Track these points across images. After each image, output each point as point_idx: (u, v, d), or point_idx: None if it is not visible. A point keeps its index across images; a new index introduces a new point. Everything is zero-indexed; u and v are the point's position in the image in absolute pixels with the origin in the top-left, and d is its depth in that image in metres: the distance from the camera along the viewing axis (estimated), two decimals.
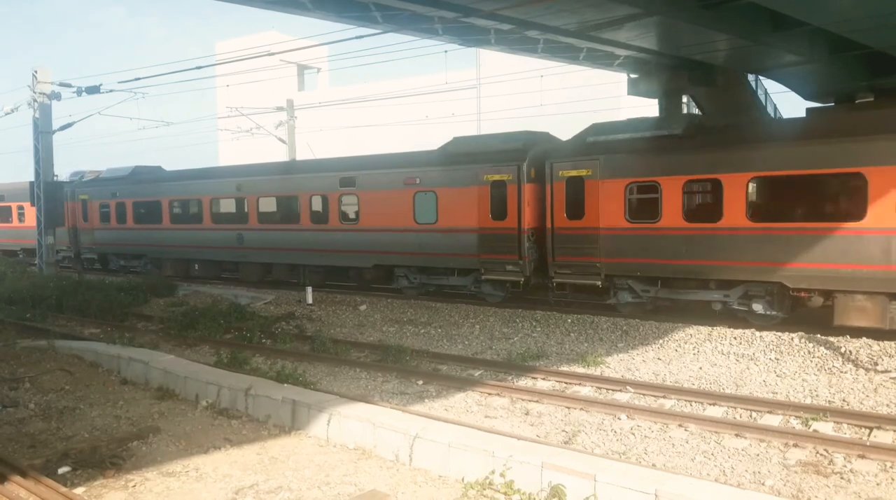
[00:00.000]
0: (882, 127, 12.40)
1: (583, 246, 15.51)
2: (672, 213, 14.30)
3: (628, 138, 15.30)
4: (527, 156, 16.49)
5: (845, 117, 13.83)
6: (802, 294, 13.45)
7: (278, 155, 34.60)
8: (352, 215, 20.04)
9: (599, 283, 15.53)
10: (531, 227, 16.47)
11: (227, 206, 23.90)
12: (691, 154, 14.24)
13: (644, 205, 14.86)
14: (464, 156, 17.81)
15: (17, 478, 6.98)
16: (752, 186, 13.52)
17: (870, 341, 11.98)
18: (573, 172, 15.62)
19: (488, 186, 16.99)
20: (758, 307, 13.69)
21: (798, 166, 13.09)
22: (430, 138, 30.35)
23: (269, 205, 22.82)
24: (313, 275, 21.60)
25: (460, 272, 18.17)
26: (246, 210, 23.05)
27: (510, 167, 16.60)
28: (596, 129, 16.24)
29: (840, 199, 13.66)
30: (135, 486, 7.16)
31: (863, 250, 12.34)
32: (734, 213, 13.51)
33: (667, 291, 14.84)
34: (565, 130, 21.80)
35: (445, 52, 22.97)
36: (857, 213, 12.42)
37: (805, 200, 13.85)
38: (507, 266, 16.80)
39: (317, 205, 21.00)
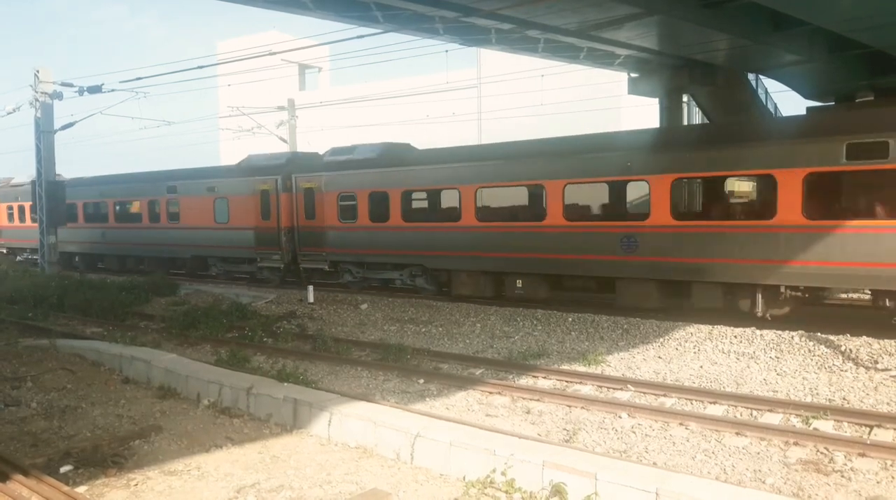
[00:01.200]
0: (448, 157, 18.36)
1: (316, 240, 20.75)
2: (363, 215, 19.52)
3: (343, 160, 20.33)
4: (282, 171, 21.54)
5: (451, 153, 18.93)
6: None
7: None
8: (175, 216, 25.29)
9: (327, 267, 20.80)
10: (286, 225, 21.39)
11: (94, 208, 29.02)
12: (374, 173, 19.36)
13: (348, 210, 19.87)
14: (247, 170, 22.87)
15: (20, 477, 7.00)
16: (402, 197, 18.79)
17: (870, 340, 11.99)
18: (308, 184, 20.79)
19: (259, 194, 22.04)
20: (420, 281, 18.91)
21: (427, 183, 18.65)
22: (432, 138, 30.32)
23: (120, 207, 28.02)
24: (156, 265, 26.23)
25: (248, 261, 23.16)
26: (106, 212, 28.27)
27: (272, 180, 21.68)
28: (331, 151, 21.32)
29: (450, 206, 18.33)
30: (137, 485, 7.18)
31: (461, 241, 17.46)
32: (396, 216, 18.79)
33: (369, 272, 20.11)
34: (566, 128, 21.80)
35: (446, 51, 23.02)
36: (456, 216, 17.60)
37: (431, 207, 19.15)
38: (273, 256, 22.00)
39: (152, 207, 26.18)
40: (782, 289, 13.10)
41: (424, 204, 19.10)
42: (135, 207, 27.13)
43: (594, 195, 15.88)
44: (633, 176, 14.78)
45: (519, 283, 16.62)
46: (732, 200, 14.55)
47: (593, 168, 15.30)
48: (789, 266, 12.74)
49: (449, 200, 18.33)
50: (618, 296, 15.22)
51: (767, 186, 13.31)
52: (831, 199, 13.08)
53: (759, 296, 13.30)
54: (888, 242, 11.85)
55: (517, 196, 17.18)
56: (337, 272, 20.64)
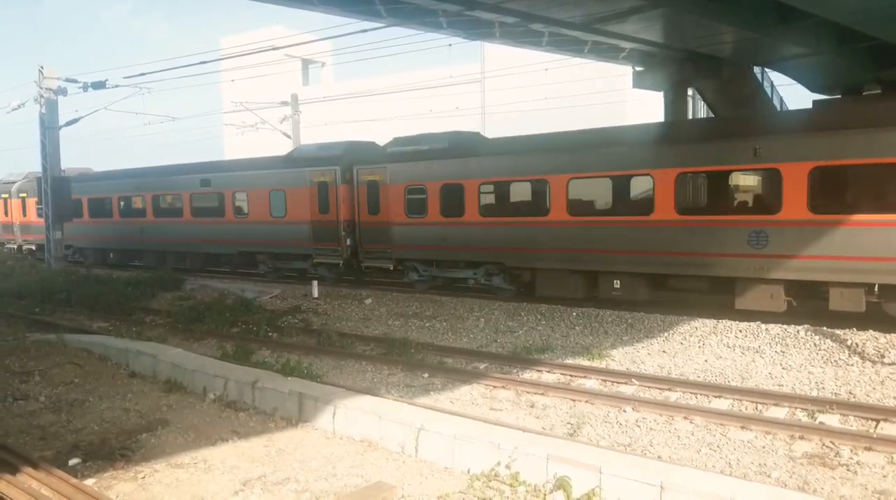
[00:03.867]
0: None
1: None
2: (85, 213, 29.07)
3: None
4: (11, 187, 33.72)
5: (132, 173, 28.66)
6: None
7: (283, 150, 34.60)
8: None
9: (20, 247, 32.88)
10: (21, 223, 32.80)
11: None
12: (96, 184, 29.71)
13: (31, 211, 31.46)
14: (6, 183, 34.88)
15: (29, 470, 7.05)
16: (118, 200, 28.03)
17: (876, 334, 11.96)
18: (22, 194, 32.79)
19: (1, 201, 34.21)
20: (137, 262, 27.68)
21: (127, 192, 27.47)
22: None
23: None
24: None
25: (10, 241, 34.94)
26: None
27: (5, 192, 33.89)
28: (34, 175, 31.32)
29: (137, 208, 27.22)
30: (144, 477, 7.22)
31: (142, 232, 26.81)
32: (116, 214, 28.15)
33: (102, 255, 30.07)
34: (568, 124, 21.74)
35: (450, 45, 23.06)
36: (142, 214, 26.76)
37: (126, 209, 27.78)
38: (7, 242, 33.91)
39: None
40: (269, 256, 22.80)
41: (130, 206, 27.53)
42: None
43: (211, 201, 24.04)
44: (211, 189, 24.08)
45: (187, 261, 25.51)
46: (272, 206, 22.35)
47: (207, 187, 24.18)
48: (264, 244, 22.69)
49: (135, 203, 27.08)
50: (228, 263, 24.72)
51: (259, 199, 22.51)
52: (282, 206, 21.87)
53: (264, 259, 22.82)
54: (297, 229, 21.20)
55: (175, 202, 25.46)
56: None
